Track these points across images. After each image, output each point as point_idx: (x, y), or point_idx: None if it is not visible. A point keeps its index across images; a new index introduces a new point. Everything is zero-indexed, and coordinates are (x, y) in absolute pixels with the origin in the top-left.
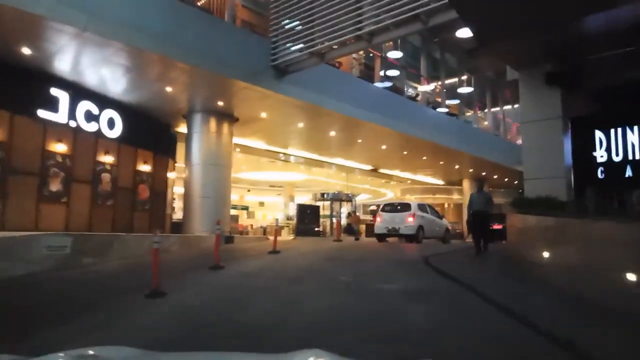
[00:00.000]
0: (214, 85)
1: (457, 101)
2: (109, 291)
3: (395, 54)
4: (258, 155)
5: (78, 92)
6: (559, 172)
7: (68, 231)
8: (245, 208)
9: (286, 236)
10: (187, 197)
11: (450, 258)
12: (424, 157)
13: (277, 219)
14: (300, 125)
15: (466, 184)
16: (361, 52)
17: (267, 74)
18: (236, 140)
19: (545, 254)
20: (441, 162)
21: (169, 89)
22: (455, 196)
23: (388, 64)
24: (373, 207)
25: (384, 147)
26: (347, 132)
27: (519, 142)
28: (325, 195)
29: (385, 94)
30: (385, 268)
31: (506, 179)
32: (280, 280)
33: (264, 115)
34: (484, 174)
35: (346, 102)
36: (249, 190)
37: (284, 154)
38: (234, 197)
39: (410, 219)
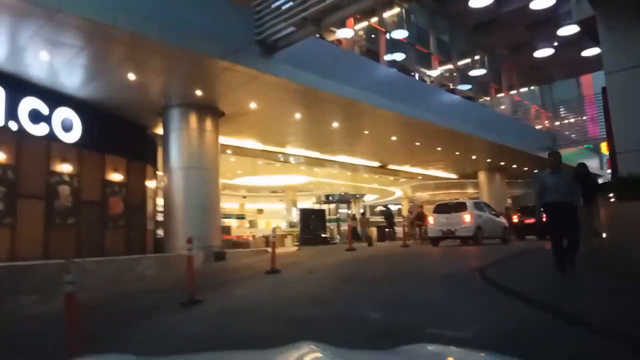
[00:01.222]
0: (188, 68)
1: (468, 86)
2: None
3: (400, 33)
4: (253, 157)
5: (18, 86)
6: None
7: (16, 260)
8: (242, 217)
9: (290, 246)
10: (167, 209)
11: (522, 268)
12: (439, 148)
13: (274, 229)
14: (297, 116)
15: (482, 177)
16: (361, 33)
17: (252, 51)
18: (226, 140)
19: None
20: (457, 153)
21: (132, 76)
22: (470, 190)
23: (394, 43)
24: (381, 208)
25: (393, 138)
26: (351, 121)
27: (538, 126)
28: (331, 198)
29: (394, 74)
30: (429, 292)
31: (526, 168)
32: (281, 325)
33: (253, 105)
34: (502, 163)
35: (349, 85)
36: (244, 197)
37: (282, 153)
38: (233, 206)
39: (467, 219)
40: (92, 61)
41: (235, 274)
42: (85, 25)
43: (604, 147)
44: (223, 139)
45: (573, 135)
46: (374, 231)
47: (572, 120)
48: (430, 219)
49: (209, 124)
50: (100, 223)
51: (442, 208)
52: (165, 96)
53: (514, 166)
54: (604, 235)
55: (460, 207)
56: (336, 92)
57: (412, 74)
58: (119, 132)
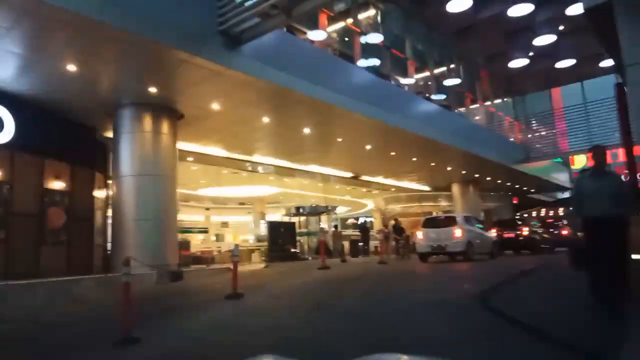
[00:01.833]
0: (141, 59)
1: (444, 95)
2: None
3: (375, 37)
4: (218, 166)
5: None
6: None
7: None
8: (204, 230)
9: (257, 261)
10: (116, 221)
11: (537, 295)
12: (414, 159)
13: (236, 245)
14: (265, 120)
15: (456, 189)
16: (335, 35)
17: (215, 42)
18: (187, 146)
19: None
20: (432, 164)
21: (72, 67)
22: (443, 203)
23: (369, 46)
24: (353, 221)
25: (368, 147)
26: (324, 127)
27: (512, 139)
28: (301, 210)
29: (370, 78)
30: (423, 328)
31: (499, 181)
32: None
33: (216, 107)
34: (477, 175)
35: (323, 86)
36: (208, 209)
37: (249, 162)
38: (198, 218)
39: (458, 234)
40: (25, 46)
41: (190, 299)
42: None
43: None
44: (183, 145)
45: (544, 149)
46: (346, 245)
47: (543, 133)
48: (419, 234)
49: (165, 126)
50: (37, 238)
51: (431, 222)
52: (115, 93)
53: (488, 179)
54: None
55: (450, 221)
56: (309, 93)
57: (389, 79)
58: (63, 133)
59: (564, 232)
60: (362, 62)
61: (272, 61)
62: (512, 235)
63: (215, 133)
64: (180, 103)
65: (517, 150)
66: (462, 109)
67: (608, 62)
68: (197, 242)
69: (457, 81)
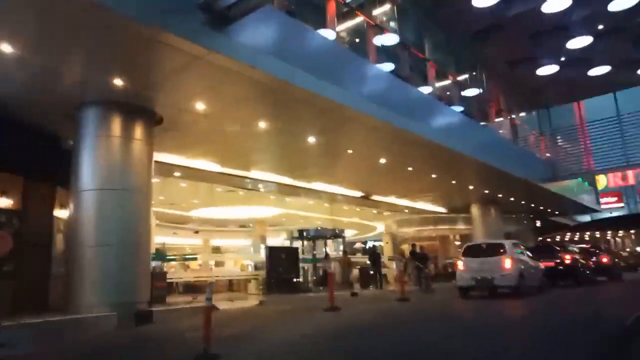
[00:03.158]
0: (99, 38)
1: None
2: None
3: (391, 38)
4: (211, 183)
5: None
6: None
7: None
8: (193, 258)
9: (254, 292)
10: (71, 247)
11: None
12: (433, 175)
13: (210, 284)
14: (262, 125)
15: (475, 210)
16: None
17: (195, 19)
18: (172, 159)
19: None
20: (453, 182)
21: (7, 48)
22: (461, 226)
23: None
24: (360, 244)
25: (382, 160)
26: (332, 134)
27: (538, 155)
28: (305, 233)
29: (386, 77)
30: None
31: (523, 202)
32: None
33: (200, 107)
34: (500, 195)
35: (332, 83)
36: (196, 232)
37: (246, 178)
38: (196, 242)
39: (508, 265)
40: None
41: (147, 357)
42: None
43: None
44: (168, 157)
45: (572, 166)
46: (356, 274)
47: (571, 149)
48: (459, 264)
49: (139, 130)
50: None
51: (474, 250)
52: (73, 88)
53: (512, 199)
54: None
55: (497, 249)
56: (314, 89)
57: (408, 81)
58: (13, 140)
59: (604, 260)
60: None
61: (270, 49)
62: (551, 263)
63: (203, 142)
64: (156, 102)
65: (543, 167)
66: (486, 121)
67: None
68: (195, 267)
69: (479, 89)
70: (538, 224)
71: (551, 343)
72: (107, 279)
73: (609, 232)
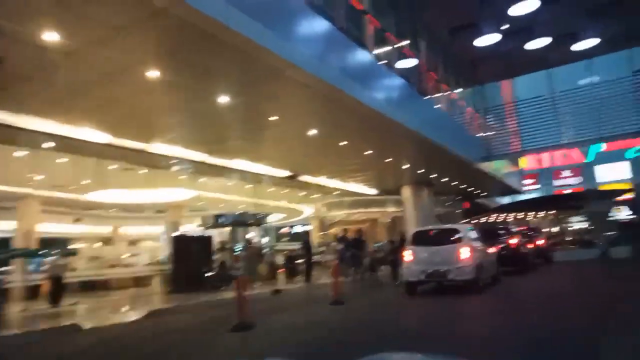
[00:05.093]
0: None
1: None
2: None
3: None
4: (101, 158)
5: None
6: None
7: None
8: (72, 253)
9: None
10: None
11: None
12: (368, 152)
13: None
14: (154, 75)
15: (407, 192)
16: None
17: None
18: (38, 124)
19: None
20: (389, 159)
21: None
22: (391, 208)
23: None
24: (287, 229)
25: (313, 132)
26: (253, 94)
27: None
28: (223, 219)
29: (321, 24)
30: None
31: (455, 182)
32: None
33: (53, 37)
34: (434, 175)
35: (250, 16)
36: (78, 220)
37: (143, 152)
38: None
39: (465, 255)
40: None
41: None
42: None
43: (522, 162)
44: (33, 122)
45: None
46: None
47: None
48: (407, 254)
49: None
50: None
51: (423, 237)
52: None
53: (445, 179)
54: None
55: (451, 235)
56: (224, 21)
57: (343, 31)
58: None
59: (540, 242)
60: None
61: None
62: (495, 249)
63: (77, 100)
64: None
65: (479, 146)
66: (426, 93)
67: (584, 44)
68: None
69: (417, 60)
70: (467, 206)
71: None
72: None
73: (531, 213)
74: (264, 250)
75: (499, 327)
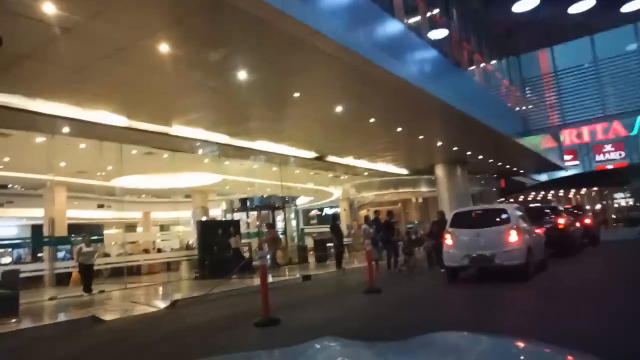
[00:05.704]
0: None
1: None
2: None
3: None
4: (120, 143)
5: None
6: None
7: None
8: (99, 239)
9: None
10: None
11: None
12: (399, 129)
13: None
14: (165, 49)
15: (440, 171)
16: None
17: None
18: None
19: None
20: (420, 137)
21: None
22: (424, 189)
23: None
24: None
25: (339, 109)
26: (275, 66)
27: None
28: (249, 203)
29: None
30: None
31: (491, 160)
32: None
33: (50, 10)
34: (469, 152)
35: None
36: (102, 206)
37: (166, 135)
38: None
39: (515, 237)
40: None
41: None
42: None
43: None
44: (47, 106)
45: (541, 120)
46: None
47: (538, 101)
48: (447, 237)
49: None
50: None
51: (465, 219)
52: None
53: (480, 157)
54: None
55: (496, 216)
56: None
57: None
58: None
59: (587, 222)
60: None
61: None
62: (541, 230)
63: (86, 79)
64: None
65: (516, 120)
66: (460, 65)
67: (634, 5)
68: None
69: (450, 28)
70: (502, 184)
71: None
72: None
73: (572, 190)
74: (293, 234)
75: (567, 324)
